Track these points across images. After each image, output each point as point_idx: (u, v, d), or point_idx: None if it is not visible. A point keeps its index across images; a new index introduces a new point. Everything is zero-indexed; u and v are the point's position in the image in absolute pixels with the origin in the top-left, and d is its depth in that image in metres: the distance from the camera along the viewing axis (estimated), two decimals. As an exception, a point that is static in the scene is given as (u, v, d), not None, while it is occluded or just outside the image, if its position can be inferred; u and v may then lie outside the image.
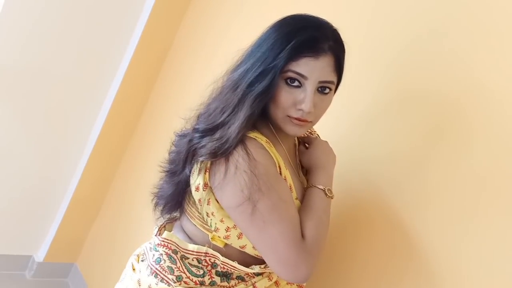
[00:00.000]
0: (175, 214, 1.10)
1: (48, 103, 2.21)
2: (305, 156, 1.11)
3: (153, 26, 2.22)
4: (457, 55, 1.15)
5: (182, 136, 1.03)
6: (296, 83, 0.93)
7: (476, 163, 1.05)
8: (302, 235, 0.92)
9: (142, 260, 1.07)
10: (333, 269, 1.30)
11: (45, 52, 2.10)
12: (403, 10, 1.32)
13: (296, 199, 0.99)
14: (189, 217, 1.02)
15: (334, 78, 0.96)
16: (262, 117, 0.99)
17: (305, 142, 1.16)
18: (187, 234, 1.03)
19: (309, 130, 1.22)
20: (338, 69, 0.97)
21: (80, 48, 2.17)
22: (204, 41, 2.15)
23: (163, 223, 1.12)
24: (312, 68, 0.91)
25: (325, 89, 0.96)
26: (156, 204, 1.09)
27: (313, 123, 0.99)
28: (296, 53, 0.90)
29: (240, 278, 0.99)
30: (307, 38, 0.91)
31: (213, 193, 0.94)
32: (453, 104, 1.13)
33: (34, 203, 2.39)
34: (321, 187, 1.01)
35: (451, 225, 1.06)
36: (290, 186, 0.97)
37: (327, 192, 1.01)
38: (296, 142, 1.16)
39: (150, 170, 1.09)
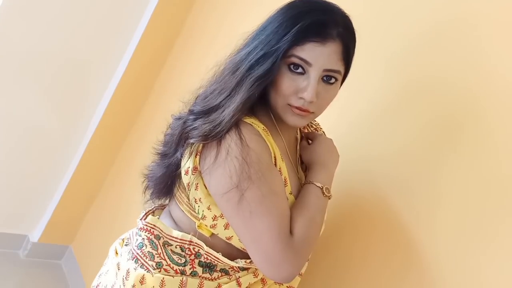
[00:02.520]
0: (164, 200, 1.06)
1: (53, 83, 2.20)
2: (306, 151, 1.06)
3: (162, 10, 2.19)
4: (478, 48, 1.08)
5: (178, 118, 1.00)
6: (299, 70, 0.88)
7: (494, 167, 0.97)
8: (291, 232, 0.87)
9: (126, 245, 1.03)
10: (329, 270, 1.24)
11: (54, 35, 2.09)
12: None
13: (291, 194, 0.94)
14: (177, 202, 0.98)
15: (341, 68, 0.91)
16: (263, 104, 0.95)
17: (309, 138, 1.11)
18: (174, 220, 0.99)
19: (314, 126, 1.17)
20: (346, 58, 0.92)
21: (88, 31, 2.16)
22: (217, 27, 2.10)
23: (152, 209, 1.08)
24: (318, 55, 0.86)
25: (330, 78, 0.90)
26: (147, 187, 1.05)
27: (315, 114, 0.94)
28: (302, 37, 0.86)
29: (224, 271, 0.95)
30: (314, 22, 0.86)
31: (202, 178, 0.90)
32: (470, 101, 1.05)
33: (33, 184, 2.37)
34: (319, 184, 0.96)
35: (461, 236, 0.99)
36: (285, 179, 0.92)
37: (324, 191, 0.96)
38: (299, 136, 1.11)
39: (152, 156, 1.07)
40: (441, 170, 1.07)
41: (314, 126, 1.17)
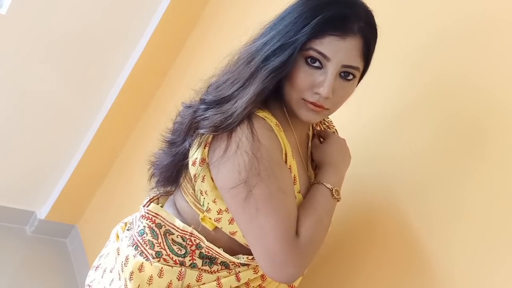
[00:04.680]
0: (170, 188, 1.04)
1: (70, 64, 2.19)
2: (318, 150, 1.03)
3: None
4: (504, 48, 1.02)
5: (188, 107, 0.97)
6: (316, 64, 0.85)
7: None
8: (297, 233, 0.85)
9: (128, 229, 1.02)
10: (335, 276, 1.21)
11: (74, 14, 2.09)
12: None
13: (299, 192, 0.92)
14: (183, 193, 0.96)
15: (360, 64, 0.88)
16: (276, 98, 0.92)
17: (321, 136, 1.08)
18: (177, 210, 0.98)
19: (326, 123, 1.14)
20: (366, 55, 0.88)
21: (108, 11, 2.15)
22: (240, 14, 2.05)
23: (157, 195, 1.06)
24: (337, 49, 0.83)
25: (348, 75, 0.87)
26: (152, 174, 1.04)
27: (330, 111, 0.91)
28: (321, 30, 0.82)
29: (225, 265, 0.93)
30: (335, 15, 0.83)
31: (210, 170, 0.87)
32: (496, 104, 1.00)
33: (43, 161, 2.38)
34: (329, 186, 0.94)
35: (480, 255, 0.93)
36: (294, 177, 0.90)
37: (334, 193, 0.93)
38: (310, 133, 1.08)
39: (160, 143, 1.04)
40: (460, 177, 1.02)
41: (327, 124, 1.14)
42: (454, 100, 1.09)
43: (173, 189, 1.05)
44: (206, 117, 0.86)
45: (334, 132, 1.13)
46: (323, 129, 1.12)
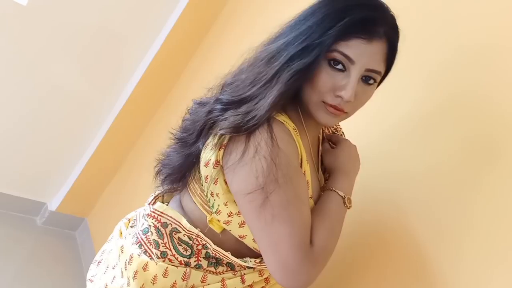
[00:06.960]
0: (176, 186, 1.01)
1: (89, 56, 2.21)
2: (330, 155, 1.01)
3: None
4: None
5: (201, 104, 0.95)
6: (339, 66, 0.82)
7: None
8: (311, 241, 0.83)
9: (132, 226, 1.01)
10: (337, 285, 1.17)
11: (95, 8, 2.10)
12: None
13: (311, 198, 0.90)
14: (190, 193, 0.94)
15: (382, 69, 0.85)
16: (292, 99, 0.89)
17: (331, 141, 1.05)
18: (184, 211, 0.95)
19: (334, 126, 1.12)
20: (390, 60, 0.87)
21: (128, 5, 2.16)
22: (258, 13, 2.03)
23: (162, 193, 1.04)
24: (362, 52, 0.81)
25: (369, 79, 0.85)
26: (159, 172, 1.01)
27: (348, 115, 0.89)
28: (348, 33, 0.80)
29: (230, 266, 0.91)
30: (363, 17, 0.81)
31: (223, 173, 0.85)
32: None
33: (56, 153, 2.40)
34: (341, 193, 0.92)
35: (489, 270, 0.89)
36: (307, 182, 0.88)
37: (346, 201, 0.92)
38: (321, 136, 1.05)
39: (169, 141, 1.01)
40: (476, 197, 0.97)
41: (335, 126, 1.12)
42: (474, 120, 1.05)
43: (179, 187, 1.02)
44: (225, 117, 0.83)
45: (341, 135, 1.11)
46: (331, 132, 1.10)
